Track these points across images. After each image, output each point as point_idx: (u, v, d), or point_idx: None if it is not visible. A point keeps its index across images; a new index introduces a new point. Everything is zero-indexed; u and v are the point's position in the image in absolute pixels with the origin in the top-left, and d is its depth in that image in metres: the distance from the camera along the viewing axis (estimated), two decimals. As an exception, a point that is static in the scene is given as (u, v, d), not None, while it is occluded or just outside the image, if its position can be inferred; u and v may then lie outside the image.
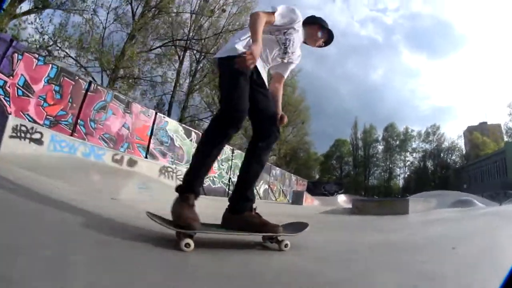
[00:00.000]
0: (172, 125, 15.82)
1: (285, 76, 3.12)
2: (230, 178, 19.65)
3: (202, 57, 32.39)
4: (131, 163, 11.20)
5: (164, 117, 15.55)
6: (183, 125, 17.21)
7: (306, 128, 56.16)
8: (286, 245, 2.47)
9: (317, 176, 64.13)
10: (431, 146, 70.00)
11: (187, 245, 2.00)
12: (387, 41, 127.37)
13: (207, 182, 17.64)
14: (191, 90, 32.45)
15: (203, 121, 34.67)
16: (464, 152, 70.05)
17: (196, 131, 17.79)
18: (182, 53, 31.59)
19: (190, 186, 2.35)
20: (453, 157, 69.98)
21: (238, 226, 2.47)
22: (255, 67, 2.55)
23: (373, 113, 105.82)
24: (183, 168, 14.38)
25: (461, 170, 64.86)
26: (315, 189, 44.87)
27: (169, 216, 2.23)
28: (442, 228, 5.35)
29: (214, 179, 18.49)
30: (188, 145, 16.34)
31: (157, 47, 28.46)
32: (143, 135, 13.79)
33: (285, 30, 2.77)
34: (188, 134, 16.67)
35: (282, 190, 26.36)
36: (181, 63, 31.78)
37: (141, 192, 6.44)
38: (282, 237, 2.49)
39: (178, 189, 2.34)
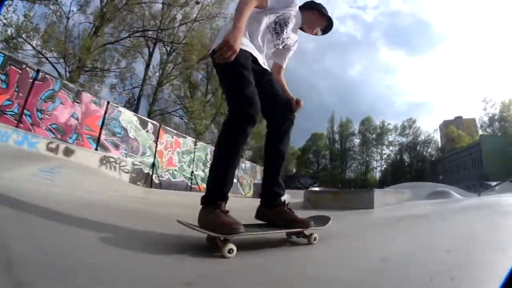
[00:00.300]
0: (126, 116, 14.80)
1: (284, 65, 2.99)
2: (192, 171, 18.84)
3: (173, 50, 31.79)
4: (68, 152, 10.49)
5: (117, 107, 14.46)
6: (139, 115, 16.35)
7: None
8: (315, 239, 2.50)
9: (294, 170, 63.95)
10: (407, 139, 71.25)
11: (231, 250, 1.93)
12: (366, 38, 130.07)
13: (166, 175, 16.84)
14: (160, 83, 31.76)
15: (172, 115, 34.43)
16: (439, 145, 71.51)
17: (154, 122, 16.95)
18: (152, 46, 31.03)
19: (221, 194, 2.23)
20: (429, 150, 71.43)
21: (272, 222, 2.49)
22: (251, 55, 2.43)
23: (350, 109, 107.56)
24: (132, 160, 13.72)
25: (437, 163, 66.15)
26: (290, 182, 44.77)
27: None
28: (406, 231, 3.84)
29: (174, 172, 17.63)
30: (144, 137, 15.46)
31: (124, 38, 27.66)
32: (94, 125, 12.98)
33: (279, 15, 2.61)
34: (144, 125, 15.72)
35: (254, 184, 26.02)
36: (150, 55, 31.28)
37: (40, 175, 5.94)
38: (310, 231, 2.49)
39: (206, 199, 2.21)
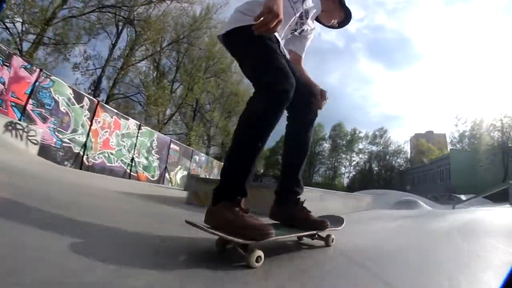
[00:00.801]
0: (59, 86, 13.04)
1: (303, 56, 2.68)
2: (133, 158, 17.22)
3: (142, 30, 30.25)
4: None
5: (50, 76, 12.89)
6: (75, 88, 14.68)
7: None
8: (333, 240, 2.30)
9: (262, 171, 63.31)
10: (378, 148, 71.88)
11: (259, 258, 1.54)
12: (347, 48, 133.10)
13: (100, 158, 15.17)
14: (122, 66, 30.13)
15: (131, 99, 32.90)
16: (409, 156, 72.45)
17: (92, 98, 15.19)
18: (122, 25, 29.46)
19: (242, 188, 1.80)
20: (398, 160, 72.20)
21: (287, 222, 2.20)
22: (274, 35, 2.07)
23: (325, 115, 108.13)
24: (38, 130, 11.57)
25: (405, 173, 67.17)
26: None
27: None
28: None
29: (111, 155, 15.92)
30: (77, 112, 13.78)
31: (90, 12, 25.82)
32: (21, 93, 11.54)
33: None
34: (79, 99, 13.97)
35: (189, 174, 24.83)
36: (118, 35, 29.69)
37: None
38: (327, 232, 2.24)
39: (222, 193, 1.77)
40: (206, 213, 1.75)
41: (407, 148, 73.62)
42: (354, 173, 72.81)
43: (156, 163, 19.92)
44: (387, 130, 73.46)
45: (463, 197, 32.82)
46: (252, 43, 1.93)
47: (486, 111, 57.95)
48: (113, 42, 29.13)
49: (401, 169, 69.87)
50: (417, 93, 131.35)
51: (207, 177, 22.71)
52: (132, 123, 17.64)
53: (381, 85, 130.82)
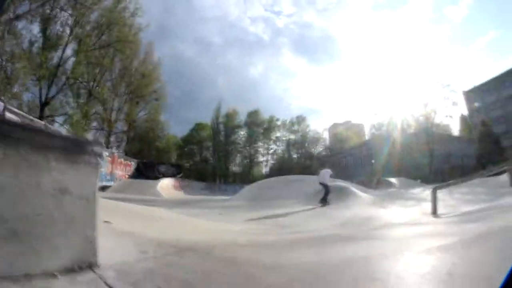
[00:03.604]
0: None
1: None
2: None
3: None
4: None
5: None
6: None
7: (160, 107, 52.56)
8: None
9: (173, 160, 59.90)
10: (296, 137, 71.56)
11: None
12: (273, 42, 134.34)
13: None
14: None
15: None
16: (328, 143, 73.18)
17: None
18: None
19: None
20: (318, 147, 72.42)
21: None
22: None
23: (246, 106, 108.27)
24: None
25: (325, 160, 67.48)
26: (146, 171, 41.00)
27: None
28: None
29: None
30: None
31: None
32: None
33: None
34: None
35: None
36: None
37: None
38: None
39: None
40: None
41: (326, 136, 74.92)
42: (272, 162, 72.32)
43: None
44: (305, 118, 72.78)
45: (393, 180, 33.31)
46: None
47: (407, 100, 61.15)
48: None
49: (319, 156, 70.41)
50: (336, 87, 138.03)
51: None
52: None
53: (303, 79, 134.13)
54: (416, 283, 2.37)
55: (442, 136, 49.20)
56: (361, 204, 14.32)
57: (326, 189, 15.45)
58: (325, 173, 16.33)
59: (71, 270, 2.32)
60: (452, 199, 13.23)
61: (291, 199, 17.74)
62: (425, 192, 15.15)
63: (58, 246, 2.33)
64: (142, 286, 2.21)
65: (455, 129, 60.53)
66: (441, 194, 11.74)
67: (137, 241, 3.64)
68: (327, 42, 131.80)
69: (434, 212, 9.78)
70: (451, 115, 49.57)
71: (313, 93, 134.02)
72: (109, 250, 2.74)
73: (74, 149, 2.61)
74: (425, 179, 34.45)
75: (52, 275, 2.18)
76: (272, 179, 26.08)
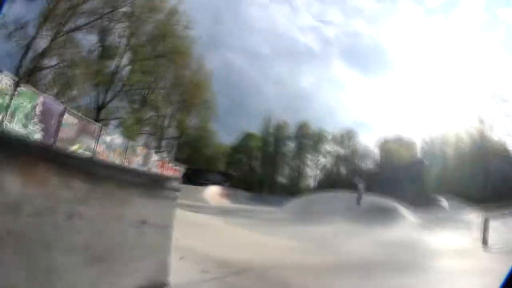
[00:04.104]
0: None
1: None
2: (2, 123, 13.09)
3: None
4: None
5: None
6: None
7: (210, 115, 53.75)
8: None
9: (221, 169, 60.96)
10: (346, 151, 70.16)
11: None
12: (323, 52, 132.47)
13: None
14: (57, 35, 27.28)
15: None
16: (378, 160, 71.24)
17: None
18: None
19: None
20: (368, 163, 70.73)
21: None
22: None
23: (296, 118, 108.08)
24: None
25: (375, 176, 66.11)
26: (194, 177, 42.10)
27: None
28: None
29: None
30: None
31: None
32: None
33: None
34: None
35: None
36: None
37: None
38: None
39: None
40: None
41: (377, 152, 72.46)
42: (320, 176, 71.34)
43: (37, 135, 15.45)
44: (355, 133, 70.93)
45: (443, 200, 32.22)
46: None
47: (461, 116, 58.74)
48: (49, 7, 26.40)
49: (369, 172, 69.04)
50: (387, 100, 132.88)
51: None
52: (6, 79, 13.51)
53: (353, 91, 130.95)
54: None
55: (500, 154, 46.19)
56: (410, 227, 14.15)
57: (359, 194, 23.20)
58: (360, 184, 24.41)
59: None
60: (506, 228, 12.77)
61: (337, 216, 17.76)
62: (477, 217, 14.65)
63: (137, 268, 2.74)
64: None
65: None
66: (495, 222, 11.46)
67: (197, 259, 4.04)
68: (378, 51, 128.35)
69: (485, 243, 9.60)
70: (511, 133, 46.33)
71: (363, 106, 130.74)
72: (175, 270, 3.11)
73: (154, 185, 3.02)
74: (479, 201, 32.85)
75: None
76: (319, 194, 26.12)
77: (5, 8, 22.68)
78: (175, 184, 3.20)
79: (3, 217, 2.17)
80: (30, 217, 2.27)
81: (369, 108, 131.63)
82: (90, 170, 2.63)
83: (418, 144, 67.48)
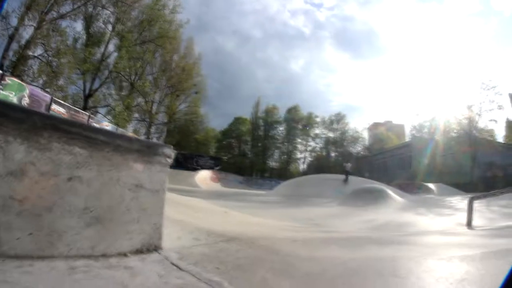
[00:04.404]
0: None
1: None
2: None
3: None
4: None
5: None
6: None
7: (199, 100, 53.77)
8: None
9: (211, 153, 61.08)
10: (335, 134, 70.76)
11: None
12: (314, 36, 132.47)
13: None
14: (40, 24, 27.05)
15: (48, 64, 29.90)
16: (367, 143, 71.82)
17: None
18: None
19: None
20: (356, 146, 71.58)
21: None
22: None
23: (286, 102, 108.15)
24: None
25: (363, 160, 66.72)
26: (185, 162, 42.59)
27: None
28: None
29: None
30: None
31: None
32: None
33: None
34: None
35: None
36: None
37: None
38: None
39: None
40: None
41: (366, 136, 73.29)
42: (310, 159, 72.02)
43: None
44: (344, 116, 71.33)
45: (431, 185, 32.76)
46: None
47: (450, 101, 59.22)
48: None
49: (358, 155, 69.51)
50: (378, 85, 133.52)
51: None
52: None
53: (344, 74, 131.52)
54: (430, 283, 2.79)
55: (486, 141, 46.47)
56: (397, 208, 14.45)
57: (347, 174, 25.75)
58: (347, 165, 27.96)
59: (140, 251, 2.89)
60: (490, 211, 13.11)
61: (327, 198, 18.07)
62: (464, 201, 15.01)
63: (131, 231, 2.89)
64: (202, 266, 2.70)
65: (500, 135, 56.56)
66: (479, 205, 11.75)
67: (189, 229, 4.21)
68: (369, 36, 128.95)
69: (469, 224, 9.85)
70: (496, 120, 47.21)
71: (354, 90, 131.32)
72: (167, 236, 3.28)
73: (148, 151, 3.17)
74: (466, 187, 33.34)
75: (124, 255, 2.73)
76: (309, 176, 26.48)
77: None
78: (168, 150, 3.34)
79: (8, 181, 2.30)
80: (32, 181, 2.40)
81: (359, 92, 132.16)
82: (90, 135, 2.76)
83: (407, 128, 67.70)
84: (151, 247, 2.97)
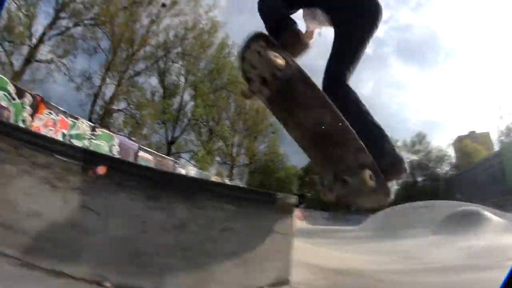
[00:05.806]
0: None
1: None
2: None
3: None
4: None
5: None
6: (16, 84, 13.88)
7: (278, 139, 54.72)
8: None
9: (294, 191, 61.19)
10: (418, 157, 67.52)
11: None
12: (377, 53, 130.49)
13: None
14: (120, 82, 30.75)
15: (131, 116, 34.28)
16: (454, 161, 68.07)
17: (33, 93, 14.23)
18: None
19: None
20: (443, 166, 68.28)
21: None
22: None
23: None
24: None
25: (453, 180, 62.68)
26: None
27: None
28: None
29: None
30: (18, 107, 12.91)
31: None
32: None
33: None
34: (20, 95, 13.17)
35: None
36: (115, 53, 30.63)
37: None
38: None
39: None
40: None
41: (451, 152, 69.29)
42: (397, 187, 68.70)
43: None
44: (425, 135, 68.54)
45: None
46: None
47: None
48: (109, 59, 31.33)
49: (447, 176, 65.81)
50: (454, 93, 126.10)
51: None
52: (84, 124, 16.39)
53: (416, 89, 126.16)
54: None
55: None
56: (496, 231, 13.69)
57: None
58: None
59: (274, 285, 3.69)
60: None
61: (419, 228, 17.63)
62: None
63: (268, 268, 3.74)
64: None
65: None
66: None
67: (301, 265, 4.89)
68: (432, 41, 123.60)
69: None
70: None
71: (430, 103, 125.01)
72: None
73: (279, 201, 4.08)
74: None
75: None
76: (397, 207, 25.76)
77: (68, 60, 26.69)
78: (293, 199, 4.30)
79: (173, 233, 3.22)
80: (192, 233, 3.32)
81: (436, 104, 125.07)
82: (236, 195, 3.79)
83: (494, 135, 63.47)
84: (284, 281, 3.77)
